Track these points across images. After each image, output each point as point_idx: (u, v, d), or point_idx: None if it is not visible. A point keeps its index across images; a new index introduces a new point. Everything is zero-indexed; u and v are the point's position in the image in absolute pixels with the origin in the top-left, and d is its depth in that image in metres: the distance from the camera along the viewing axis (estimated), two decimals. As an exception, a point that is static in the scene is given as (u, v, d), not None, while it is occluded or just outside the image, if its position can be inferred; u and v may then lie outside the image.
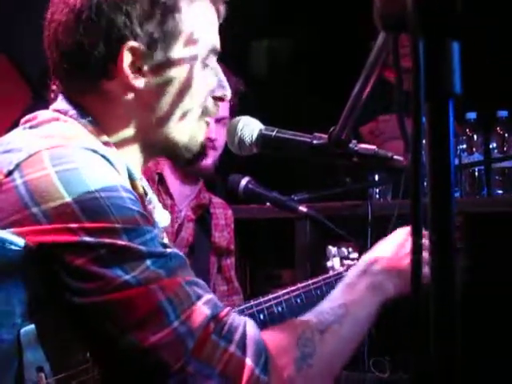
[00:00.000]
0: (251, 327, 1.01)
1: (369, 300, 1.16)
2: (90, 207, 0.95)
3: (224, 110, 2.10)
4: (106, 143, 1.10)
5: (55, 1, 1.13)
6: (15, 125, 1.13)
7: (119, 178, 1.01)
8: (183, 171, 2.13)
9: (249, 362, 0.96)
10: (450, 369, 0.58)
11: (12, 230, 0.94)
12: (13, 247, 0.92)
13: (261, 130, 1.31)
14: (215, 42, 1.18)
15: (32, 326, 0.92)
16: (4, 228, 0.94)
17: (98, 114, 1.12)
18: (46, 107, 1.15)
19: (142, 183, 1.17)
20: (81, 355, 0.96)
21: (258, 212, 2.55)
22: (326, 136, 1.25)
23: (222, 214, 2.26)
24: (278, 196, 1.97)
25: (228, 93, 1.21)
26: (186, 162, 1.20)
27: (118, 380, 0.99)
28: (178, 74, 1.13)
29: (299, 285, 1.50)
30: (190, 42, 1.14)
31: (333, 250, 1.66)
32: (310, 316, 1.10)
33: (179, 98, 1.13)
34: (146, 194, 1.18)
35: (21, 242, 0.93)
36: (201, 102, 1.17)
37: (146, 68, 1.11)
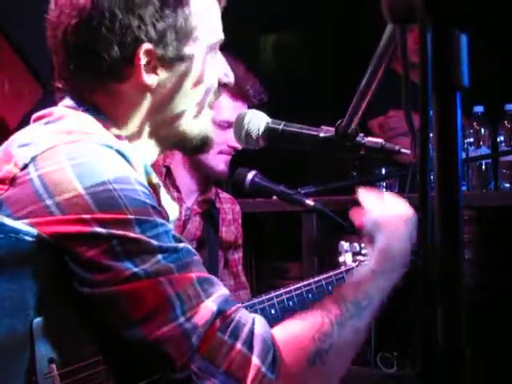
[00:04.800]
0: (260, 324, 0.99)
1: (387, 289, 1.13)
2: (103, 198, 0.95)
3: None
4: (117, 136, 1.10)
5: (60, 2, 1.11)
6: (25, 119, 1.14)
7: (133, 172, 1.02)
8: (192, 166, 2.13)
9: (255, 359, 0.95)
10: (457, 361, 0.57)
11: (26, 221, 0.95)
12: (26, 238, 0.93)
13: (268, 123, 1.31)
14: (219, 30, 1.19)
15: (44, 318, 0.93)
16: (18, 219, 0.95)
17: (108, 111, 1.12)
18: (59, 102, 1.15)
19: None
20: (91, 347, 0.97)
21: (264, 205, 2.55)
22: (333, 129, 1.25)
23: (230, 208, 2.26)
24: (284, 189, 1.97)
25: (232, 79, 1.22)
26: (194, 150, 1.21)
27: (126, 372, 0.99)
28: (189, 68, 1.14)
29: (311, 279, 1.49)
30: (200, 34, 1.14)
31: (345, 245, 1.65)
32: (333, 303, 1.06)
33: (192, 91, 1.15)
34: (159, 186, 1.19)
35: (34, 232, 0.94)
36: (211, 93, 1.18)
37: (160, 68, 1.12)
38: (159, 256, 0.96)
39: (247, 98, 2.09)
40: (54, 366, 0.92)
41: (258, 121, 1.31)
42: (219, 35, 1.19)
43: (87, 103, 1.12)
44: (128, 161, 1.03)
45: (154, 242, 0.96)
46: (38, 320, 0.92)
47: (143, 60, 1.09)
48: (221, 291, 0.99)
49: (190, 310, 0.94)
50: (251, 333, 0.97)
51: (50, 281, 0.95)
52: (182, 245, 1.00)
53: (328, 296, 1.09)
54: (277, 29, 4.25)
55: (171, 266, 0.96)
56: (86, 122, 1.09)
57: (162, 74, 1.12)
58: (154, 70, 1.11)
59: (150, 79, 1.11)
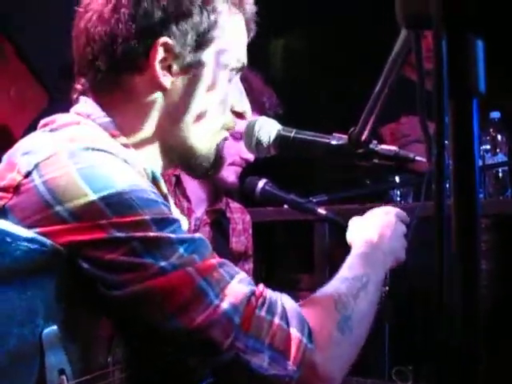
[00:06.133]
0: (288, 300, 1.05)
1: (384, 266, 1.25)
2: (117, 203, 0.96)
3: None
4: (124, 145, 1.11)
5: None
6: (32, 127, 1.15)
7: (140, 177, 1.04)
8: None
9: (295, 332, 1.00)
10: (474, 372, 0.57)
11: (37, 230, 0.96)
12: (38, 247, 0.94)
13: (279, 131, 1.31)
14: (244, 58, 1.20)
15: (54, 328, 0.94)
16: (28, 228, 0.96)
17: (120, 113, 1.13)
18: (64, 110, 1.16)
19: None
20: (102, 359, 0.98)
21: (275, 214, 2.55)
22: (345, 136, 1.26)
23: (240, 218, 2.26)
24: (295, 198, 1.96)
25: (248, 110, 1.23)
26: (201, 172, 1.22)
27: (146, 380, 1.02)
28: (205, 79, 1.14)
29: None
30: (223, 50, 1.16)
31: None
32: (337, 283, 1.14)
33: (204, 103, 1.15)
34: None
35: (46, 242, 0.95)
36: (224, 112, 1.19)
37: (175, 67, 1.13)
38: (180, 249, 0.98)
39: (263, 109, 2.10)
40: (64, 377, 0.93)
41: (268, 128, 1.32)
42: (242, 62, 1.20)
43: (100, 105, 1.13)
44: (133, 169, 1.04)
45: (173, 236, 0.99)
46: (48, 330, 0.93)
47: (159, 54, 1.11)
48: (241, 273, 1.04)
49: (221, 292, 0.98)
50: (284, 308, 1.02)
51: (62, 290, 0.95)
52: (197, 235, 1.03)
53: (333, 279, 1.16)
54: (285, 32, 4.26)
55: (194, 255, 0.99)
56: (92, 130, 1.10)
57: (178, 77, 1.13)
58: (168, 69, 1.12)
59: (165, 79, 1.12)
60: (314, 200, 2.09)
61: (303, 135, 1.30)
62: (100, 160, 1.00)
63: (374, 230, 1.31)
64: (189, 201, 2.15)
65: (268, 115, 2.07)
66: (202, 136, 1.17)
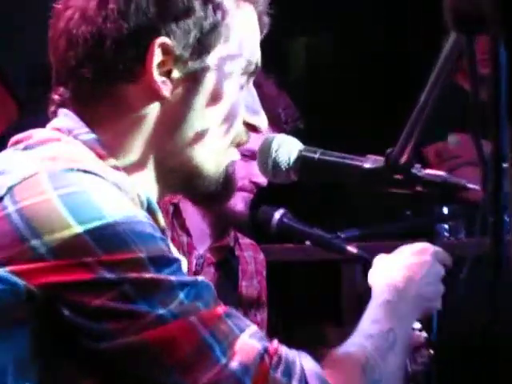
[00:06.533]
0: (307, 360, 1.06)
1: (411, 318, 1.29)
2: (107, 237, 0.97)
3: None
4: (113, 167, 1.12)
5: None
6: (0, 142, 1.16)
7: (135, 206, 1.04)
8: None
9: None
10: None
11: (7, 268, 0.96)
12: (8, 289, 0.94)
13: (300, 151, 1.32)
14: (257, 58, 1.21)
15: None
16: None
17: (108, 129, 1.14)
18: (38, 124, 1.17)
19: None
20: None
21: (295, 253, 2.55)
22: (382, 158, 1.26)
23: (252, 257, 2.26)
24: (320, 233, 1.97)
25: (263, 123, 1.24)
26: (208, 199, 1.23)
27: None
28: (212, 86, 1.15)
29: None
30: (232, 50, 1.17)
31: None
32: (361, 341, 1.16)
33: (210, 115, 1.16)
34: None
35: (19, 283, 0.95)
36: (234, 125, 1.19)
37: (176, 73, 1.14)
38: (181, 294, 0.99)
39: (278, 123, 2.10)
40: None
41: (288, 148, 1.32)
42: (256, 63, 1.21)
43: (84, 121, 1.14)
44: (126, 195, 1.04)
45: (173, 279, 1.00)
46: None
47: (157, 56, 1.12)
48: (252, 326, 1.05)
49: (229, 348, 0.99)
50: (302, 369, 1.03)
51: (37, 342, 0.95)
52: (200, 278, 1.04)
53: (354, 336, 1.18)
54: (308, 30, 4.29)
55: (197, 302, 1.00)
56: (76, 148, 1.10)
57: (179, 86, 1.14)
58: (167, 75, 1.13)
59: (164, 87, 1.13)
60: (343, 235, 2.09)
61: (330, 157, 1.31)
62: (87, 184, 1.00)
63: (400, 271, 1.32)
64: (189, 235, 2.15)
65: (284, 130, 2.08)
66: (209, 154, 1.18)
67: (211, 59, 1.15)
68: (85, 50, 1.13)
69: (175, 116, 1.15)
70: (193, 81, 1.15)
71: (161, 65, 1.12)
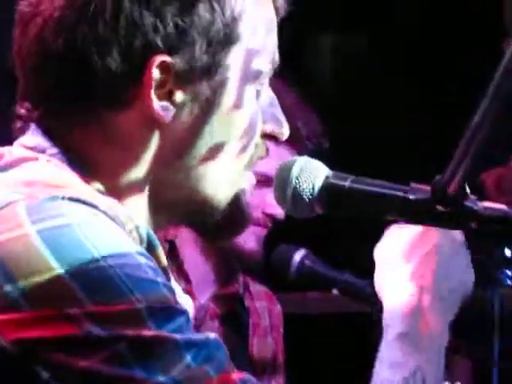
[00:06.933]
0: None
1: (441, 336, 1.30)
2: (96, 282, 0.97)
3: None
4: (101, 192, 1.13)
5: None
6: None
7: (132, 241, 1.04)
8: (208, 242, 2.15)
9: None
10: None
11: None
12: None
13: (327, 178, 1.31)
14: (276, 57, 1.23)
15: None
16: None
17: (93, 154, 1.15)
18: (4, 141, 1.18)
19: None
20: None
21: (319, 304, 2.54)
22: (428, 188, 1.26)
23: (265, 309, 2.25)
24: (351, 279, 1.96)
25: (285, 130, 1.25)
26: (217, 233, 1.24)
27: None
28: (225, 101, 1.17)
29: None
30: (250, 53, 1.18)
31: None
32: None
33: (222, 135, 1.18)
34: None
35: None
36: (251, 143, 1.21)
37: (179, 95, 1.15)
38: (188, 356, 0.98)
39: (297, 140, 2.10)
40: None
41: (312, 173, 1.32)
42: (273, 60, 1.22)
43: (60, 141, 1.15)
44: (122, 228, 1.05)
45: (178, 337, 0.99)
46: None
47: (156, 78, 1.12)
48: None
49: None
50: None
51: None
52: (212, 336, 1.04)
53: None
54: (337, 27, 4.32)
55: (206, 367, 0.99)
56: (58, 169, 1.11)
57: (182, 107, 1.15)
58: (168, 96, 1.14)
59: (163, 109, 1.14)
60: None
61: (364, 185, 1.30)
62: (74, 216, 1.00)
63: (408, 281, 1.33)
64: (188, 280, 2.14)
65: (306, 150, 2.08)
66: (221, 183, 1.19)
67: (223, 71, 1.16)
68: (62, 68, 1.14)
69: (179, 142, 1.17)
70: (200, 100, 1.16)
71: (160, 86, 1.13)
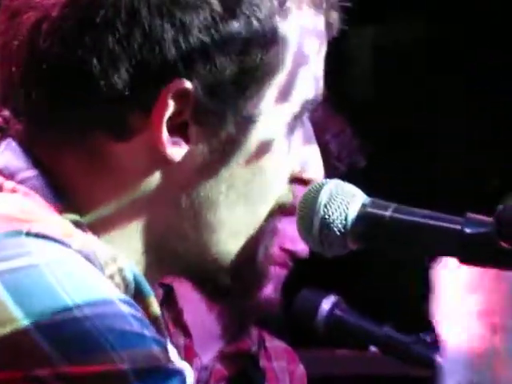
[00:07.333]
0: None
1: None
2: (69, 337, 0.97)
3: None
4: (77, 225, 1.13)
5: None
6: None
7: (113, 287, 1.04)
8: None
9: None
10: None
11: None
12: None
13: (364, 206, 1.32)
14: (321, 85, 1.26)
15: None
16: None
17: (76, 181, 1.17)
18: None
19: None
20: None
21: (352, 364, 2.54)
22: (488, 220, 1.26)
23: (285, 370, 2.26)
24: (392, 333, 1.97)
25: (319, 174, 1.29)
26: (229, 292, 1.27)
27: None
28: (251, 140, 1.18)
29: None
30: (287, 88, 1.19)
31: None
32: None
33: (242, 188, 1.19)
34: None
35: None
36: (277, 189, 1.23)
37: (195, 129, 1.16)
38: None
39: (326, 158, 2.11)
40: None
41: (344, 200, 1.32)
42: (316, 93, 1.25)
43: (41, 162, 1.16)
44: (100, 270, 1.05)
45: None
46: None
47: (170, 107, 1.13)
48: None
49: None
50: None
51: None
52: None
53: None
54: (378, 19, 4.36)
55: None
56: (22, 200, 1.12)
57: (195, 143, 1.16)
58: (181, 131, 1.15)
59: (173, 146, 1.15)
60: (429, 339, 2.07)
61: (409, 215, 1.30)
62: (41, 255, 1.00)
63: (477, 320, 1.33)
64: (187, 334, 2.16)
65: (337, 171, 2.09)
66: (237, 236, 1.21)
67: (253, 105, 1.17)
68: (57, 79, 1.15)
69: (186, 185, 1.18)
70: (221, 138, 1.17)
71: (173, 118, 1.14)
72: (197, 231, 1.19)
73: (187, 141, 1.16)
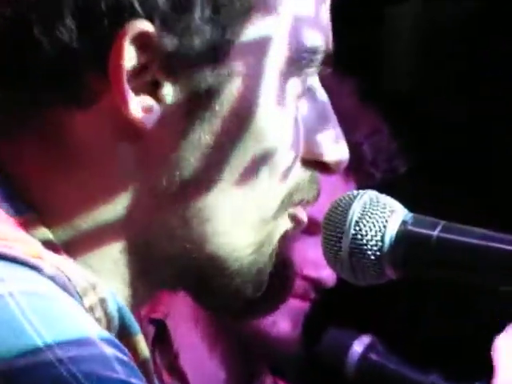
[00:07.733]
0: None
1: None
2: (38, 382, 0.96)
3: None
4: (48, 245, 1.13)
5: None
6: None
7: (92, 321, 1.04)
8: (217, 322, 2.16)
9: None
10: None
11: None
12: None
13: (405, 224, 1.32)
14: (327, 38, 1.24)
15: None
16: None
17: (35, 178, 1.17)
18: None
19: None
20: None
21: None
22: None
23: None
24: (438, 381, 1.97)
25: (344, 153, 1.26)
26: (236, 309, 1.25)
27: None
28: (233, 99, 1.17)
29: None
30: (278, 32, 1.18)
31: None
32: None
33: (237, 157, 1.18)
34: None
35: None
36: (288, 173, 1.21)
37: (167, 87, 1.15)
38: None
39: (358, 164, 2.12)
40: None
41: (381, 217, 1.32)
42: (323, 42, 1.23)
43: None
44: (78, 300, 1.06)
45: None
46: None
47: (130, 57, 1.12)
48: None
49: None
50: None
51: None
52: None
53: None
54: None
55: None
56: None
57: (172, 105, 1.15)
58: (151, 89, 1.15)
59: (142, 108, 1.14)
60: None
61: (461, 235, 1.31)
62: (6, 284, 1.01)
63: None
64: (184, 382, 2.16)
65: (372, 180, 2.09)
66: (242, 233, 1.22)
67: (236, 54, 1.17)
68: (4, 43, 1.15)
69: (168, 162, 1.17)
70: (200, 94, 1.16)
71: (137, 72, 1.14)
72: (186, 223, 1.18)
73: (159, 102, 1.15)
